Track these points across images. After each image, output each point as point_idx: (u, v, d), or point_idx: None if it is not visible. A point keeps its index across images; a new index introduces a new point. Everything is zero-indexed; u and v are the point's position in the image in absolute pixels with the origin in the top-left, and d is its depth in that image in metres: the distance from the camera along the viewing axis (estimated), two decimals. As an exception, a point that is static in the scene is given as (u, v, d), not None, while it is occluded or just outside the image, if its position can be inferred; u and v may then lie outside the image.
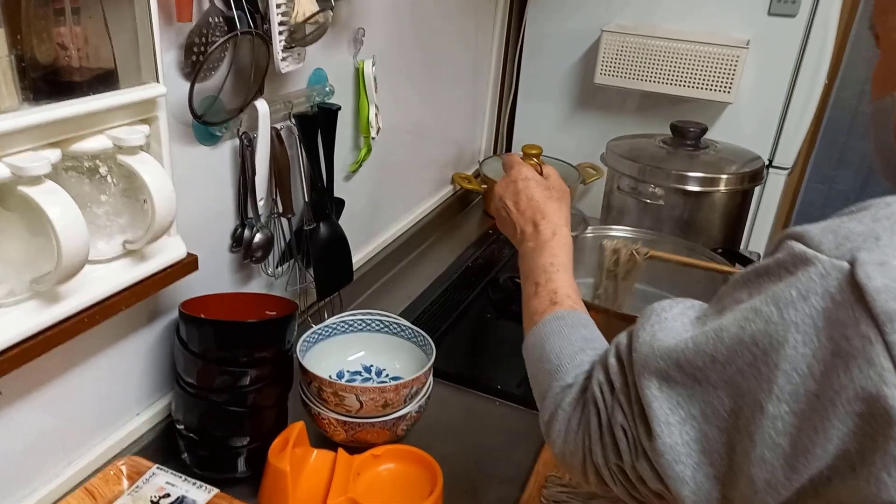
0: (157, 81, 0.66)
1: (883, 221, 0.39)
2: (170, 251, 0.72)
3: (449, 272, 1.32)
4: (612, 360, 0.53)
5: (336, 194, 1.06)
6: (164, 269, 0.72)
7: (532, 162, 0.83)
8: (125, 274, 0.68)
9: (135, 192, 0.67)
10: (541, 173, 0.82)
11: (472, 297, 1.23)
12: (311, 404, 0.84)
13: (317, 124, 0.96)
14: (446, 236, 1.49)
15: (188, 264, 0.75)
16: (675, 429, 0.45)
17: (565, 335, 0.62)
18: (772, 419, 0.40)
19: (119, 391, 0.79)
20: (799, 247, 0.40)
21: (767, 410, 0.40)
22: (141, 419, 0.83)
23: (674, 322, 0.48)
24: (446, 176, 1.56)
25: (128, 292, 0.68)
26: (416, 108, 1.33)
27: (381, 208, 1.29)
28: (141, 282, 0.69)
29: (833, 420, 0.38)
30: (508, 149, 1.78)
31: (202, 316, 0.81)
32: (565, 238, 0.73)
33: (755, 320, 0.41)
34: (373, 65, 1.08)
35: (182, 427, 0.80)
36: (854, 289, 0.37)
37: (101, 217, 0.65)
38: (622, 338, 0.53)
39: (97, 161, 0.64)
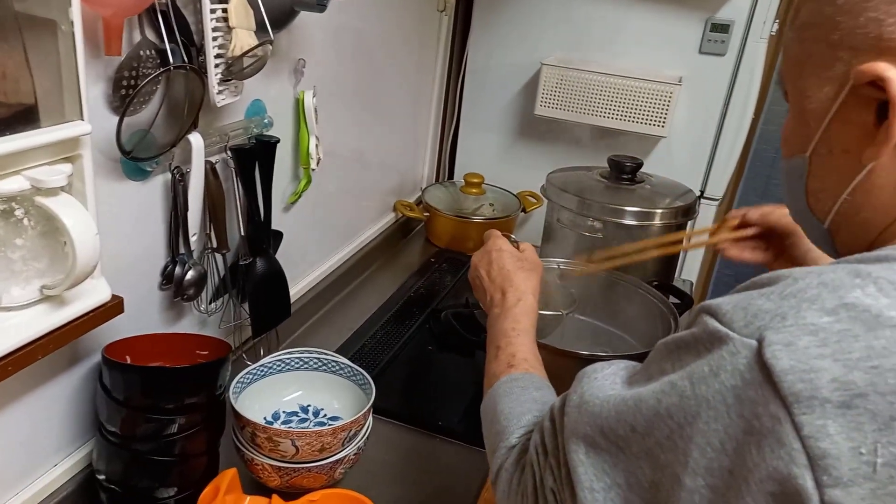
0: (82, 118, 0.62)
1: (790, 299, 0.39)
2: (93, 294, 0.68)
3: (390, 302, 1.31)
4: (547, 423, 0.53)
5: (274, 226, 1.04)
6: (86, 314, 0.68)
7: (510, 239, 0.89)
8: (42, 321, 0.64)
9: (55, 233, 0.64)
10: (517, 248, 0.87)
11: (413, 329, 1.22)
12: (244, 450, 0.81)
13: (254, 157, 0.93)
14: (388, 265, 1.47)
15: (113, 307, 0.71)
16: (599, 495, 0.46)
17: (516, 396, 0.64)
18: (689, 492, 0.40)
19: (36, 440, 0.74)
20: (713, 323, 0.41)
21: (685, 484, 0.40)
22: (59, 470, 0.78)
23: (603, 384, 0.49)
24: (388, 204, 1.55)
25: (45, 340, 0.64)
26: (358, 138, 1.31)
27: (321, 239, 1.26)
28: (60, 328, 0.65)
29: (747, 498, 0.38)
30: (450, 177, 1.78)
31: (127, 359, 0.77)
32: (530, 305, 0.78)
33: (671, 394, 0.42)
34: (313, 96, 1.06)
35: (103, 478, 0.75)
36: (762, 368, 0.38)
37: (17, 262, 0.61)
38: (558, 401, 0.54)
39: (13, 203, 0.60)
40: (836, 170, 0.48)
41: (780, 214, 0.87)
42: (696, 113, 1.50)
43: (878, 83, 0.42)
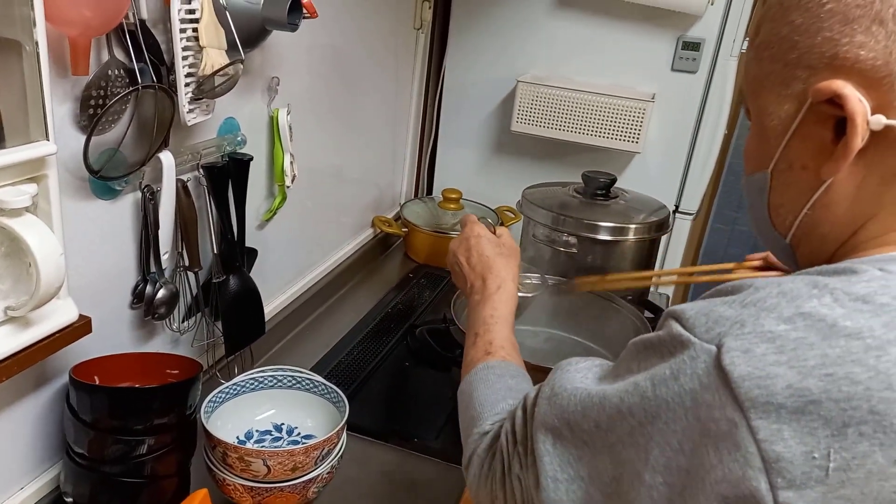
0: (47, 139, 0.62)
1: (749, 308, 0.40)
2: (59, 315, 0.68)
3: (368, 318, 1.30)
4: (519, 412, 0.55)
5: (249, 244, 1.03)
6: (52, 335, 0.67)
7: (486, 223, 0.89)
8: (6, 343, 0.63)
9: (19, 253, 0.63)
10: (494, 233, 0.87)
11: (391, 345, 1.22)
12: (215, 470, 0.80)
13: (227, 175, 0.93)
14: (366, 281, 1.47)
15: (80, 327, 0.70)
16: (562, 486, 0.47)
17: (491, 384, 0.66)
18: (648, 488, 0.41)
19: (1, 463, 0.73)
20: (677, 327, 0.42)
21: (645, 479, 0.42)
22: (26, 493, 0.76)
23: (574, 377, 0.50)
24: (366, 220, 1.55)
25: (10, 361, 0.64)
26: (335, 154, 1.32)
27: (297, 256, 1.26)
28: (25, 349, 0.65)
29: (700, 497, 0.39)
30: (429, 192, 1.79)
31: (96, 380, 0.76)
32: (509, 292, 0.78)
33: (633, 393, 0.43)
34: (287, 113, 1.06)
35: (71, 501, 0.74)
36: (720, 373, 0.39)
37: (-21, 283, 0.61)
38: (532, 391, 0.55)
39: (-25, 223, 0.59)
40: (795, 185, 0.49)
41: None
42: (669, 129, 1.53)
43: (836, 100, 0.43)
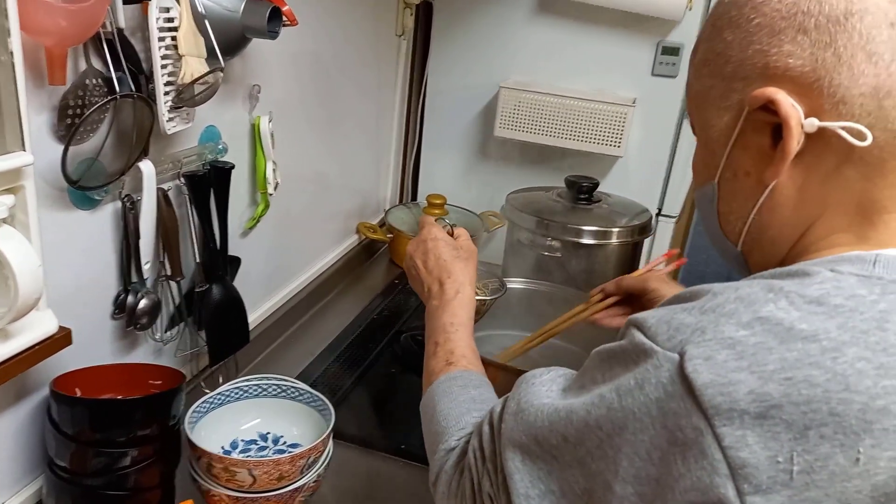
0: (24, 149, 0.62)
1: (709, 314, 0.41)
2: (38, 327, 0.67)
3: (354, 325, 1.30)
4: (486, 428, 0.54)
5: (232, 252, 1.03)
6: (31, 347, 0.66)
7: (443, 223, 0.87)
8: (-16, 356, 0.62)
9: (-3, 265, 0.62)
10: (452, 235, 0.86)
11: (377, 352, 1.22)
12: (200, 481, 0.79)
13: (208, 183, 0.93)
14: (351, 288, 1.47)
15: (60, 339, 0.69)
16: (534, 501, 0.47)
17: (454, 396, 0.64)
18: (619, 499, 0.41)
19: (-21, 480, 0.72)
20: (639, 336, 0.43)
21: (616, 491, 0.42)
22: (6, 509, 0.75)
23: (539, 391, 0.50)
24: (351, 226, 1.55)
25: (-13, 375, 0.63)
26: (319, 161, 1.32)
27: (281, 263, 1.26)
28: (4, 362, 0.64)
29: None
30: (413, 198, 1.79)
31: (77, 392, 0.75)
32: (468, 297, 0.77)
33: (599, 405, 0.43)
34: (269, 121, 1.06)
35: (53, 515, 0.73)
36: (684, 381, 0.39)
37: (-44, 295, 0.60)
38: (497, 405, 0.55)
39: (-49, 236, 0.59)
40: (741, 192, 0.50)
41: (629, 279, 0.93)
42: (650, 133, 1.54)
43: (770, 106, 0.45)
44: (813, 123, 0.44)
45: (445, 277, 0.78)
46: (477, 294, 0.97)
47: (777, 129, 0.46)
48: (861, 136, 0.43)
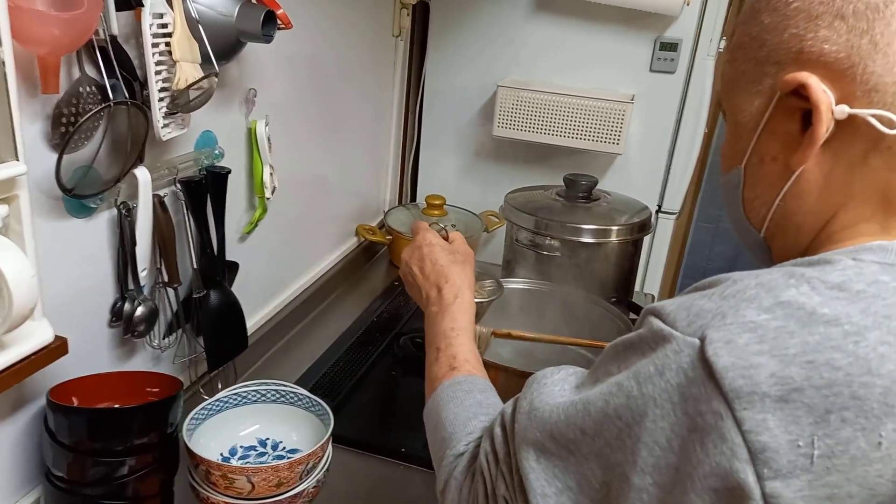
0: (17, 159, 0.61)
1: (729, 300, 0.41)
2: (34, 337, 0.67)
3: (353, 328, 1.30)
4: (498, 430, 0.54)
5: (230, 258, 1.03)
6: (27, 357, 0.66)
7: (438, 227, 0.86)
8: (-21, 367, 0.62)
9: (-9, 276, 0.62)
10: (447, 239, 0.85)
11: (377, 355, 1.21)
12: (199, 488, 0.79)
13: (205, 189, 0.93)
14: (351, 290, 1.46)
15: (56, 349, 0.69)
16: (551, 500, 0.46)
17: (460, 401, 0.63)
18: (637, 491, 0.41)
19: (-22, 491, 0.72)
20: (657, 323, 0.42)
21: (633, 483, 0.41)
22: (5, 519, 0.75)
23: (552, 391, 0.49)
24: (350, 229, 1.54)
25: (-16, 386, 0.62)
26: (317, 164, 1.31)
27: (280, 268, 1.25)
28: (-1, 373, 0.64)
29: (691, 494, 0.39)
30: (413, 199, 1.79)
31: (74, 401, 0.75)
32: (467, 302, 0.76)
33: (618, 395, 0.43)
34: (266, 125, 1.06)
35: (52, 525, 0.73)
36: (704, 365, 0.39)
37: (-50, 307, 0.60)
38: (508, 406, 0.54)
39: (-56, 247, 0.58)
40: (767, 177, 0.50)
41: None
42: (649, 129, 1.53)
43: (801, 91, 0.45)
44: (844, 110, 0.44)
45: (443, 282, 0.77)
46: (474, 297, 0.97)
47: (807, 115, 0.46)
48: (891, 125, 0.43)
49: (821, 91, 0.44)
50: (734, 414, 0.37)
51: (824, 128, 0.44)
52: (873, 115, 0.43)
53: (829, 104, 0.44)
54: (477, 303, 0.94)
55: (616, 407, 0.42)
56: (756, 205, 0.52)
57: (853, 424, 0.37)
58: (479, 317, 0.98)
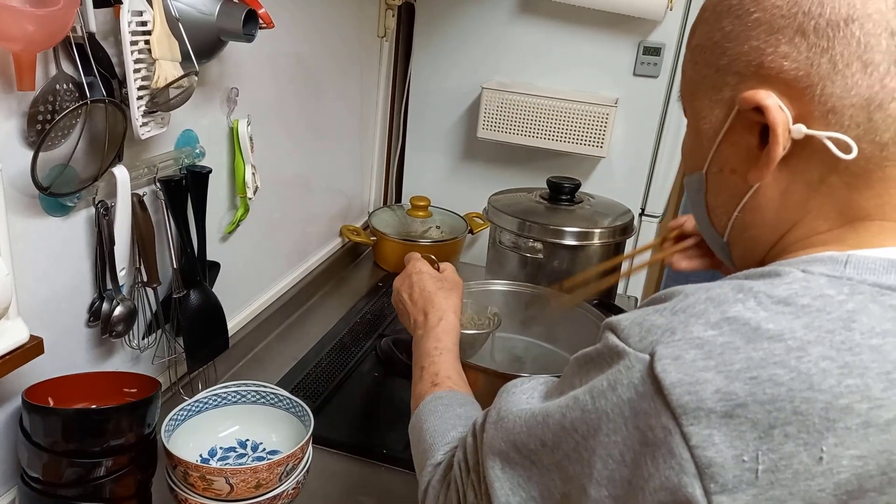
0: (-9, 156, 0.61)
1: (679, 314, 0.41)
2: (8, 336, 0.66)
3: (336, 329, 1.29)
4: (469, 439, 0.55)
5: (211, 257, 1.02)
6: (1, 358, 0.65)
7: (429, 258, 0.90)
8: (-49, 367, 0.61)
9: (-36, 275, 0.61)
10: (437, 269, 0.89)
11: (360, 356, 1.21)
12: (177, 490, 0.78)
13: (185, 188, 0.92)
14: (335, 291, 1.46)
15: (31, 349, 0.68)
16: None
17: (440, 414, 0.65)
18: (594, 502, 0.41)
19: (-50, 492, 0.71)
20: (613, 339, 0.43)
21: (591, 494, 0.42)
22: (-22, 521, 0.74)
23: (519, 399, 0.50)
24: (334, 229, 1.54)
25: (-45, 386, 0.62)
26: (300, 164, 1.31)
27: (262, 268, 1.25)
28: (-28, 373, 0.63)
29: None
30: (398, 200, 1.79)
31: (50, 401, 0.74)
32: (451, 324, 0.79)
33: (574, 408, 0.43)
34: (248, 124, 1.05)
35: (26, 527, 0.72)
36: (654, 381, 0.39)
37: (-79, 306, 0.59)
38: (480, 416, 0.55)
39: (-85, 245, 0.58)
40: (727, 188, 0.50)
41: None
42: (633, 133, 1.54)
43: (759, 109, 0.45)
44: (800, 130, 0.44)
45: (430, 307, 0.80)
46: (471, 327, 1.00)
47: (765, 130, 0.45)
48: (847, 149, 0.43)
49: (778, 111, 0.44)
50: (682, 429, 0.38)
51: (781, 148, 0.44)
52: (829, 138, 0.43)
53: (786, 124, 0.44)
54: (473, 333, 0.97)
55: (572, 420, 0.43)
56: (719, 213, 0.52)
57: (795, 439, 0.37)
58: (476, 347, 1.00)
